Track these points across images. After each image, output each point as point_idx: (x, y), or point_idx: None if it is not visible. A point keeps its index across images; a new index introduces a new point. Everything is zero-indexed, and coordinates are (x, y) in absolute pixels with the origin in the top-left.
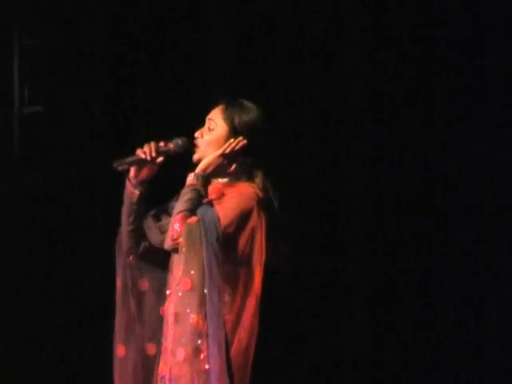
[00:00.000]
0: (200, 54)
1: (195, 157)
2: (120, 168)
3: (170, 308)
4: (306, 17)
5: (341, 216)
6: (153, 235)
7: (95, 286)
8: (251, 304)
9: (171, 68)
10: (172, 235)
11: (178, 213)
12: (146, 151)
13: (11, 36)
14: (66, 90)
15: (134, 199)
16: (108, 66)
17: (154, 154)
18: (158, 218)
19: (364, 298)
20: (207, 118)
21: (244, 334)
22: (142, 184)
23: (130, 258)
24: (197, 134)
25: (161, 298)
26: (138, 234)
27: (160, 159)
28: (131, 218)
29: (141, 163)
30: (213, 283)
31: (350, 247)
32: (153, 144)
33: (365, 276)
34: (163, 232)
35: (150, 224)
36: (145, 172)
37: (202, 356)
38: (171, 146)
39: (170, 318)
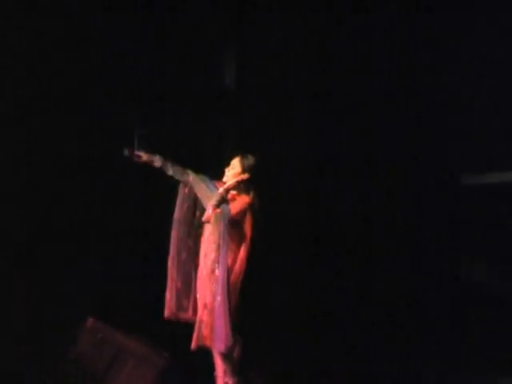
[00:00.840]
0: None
1: (225, 180)
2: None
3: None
4: None
5: None
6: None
7: None
8: (242, 256)
9: None
10: (207, 215)
11: (212, 205)
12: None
13: None
14: None
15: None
16: None
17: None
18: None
19: None
20: (231, 162)
21: (238, 269)
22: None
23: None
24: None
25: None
26: None
27: None
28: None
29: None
30: (224, 243)
31: None
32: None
33: None
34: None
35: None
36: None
37: (216, 274)
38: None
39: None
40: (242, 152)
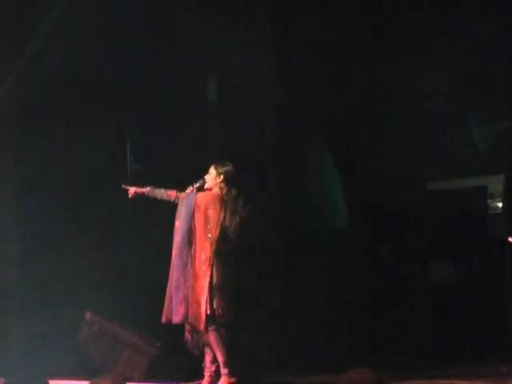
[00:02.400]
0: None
1: (206, 186)
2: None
3: None
4: None
5: None
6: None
7: None
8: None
9: None
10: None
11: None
12: (189, 189)
13: None
14: None
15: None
16: None
17: (193, 189)
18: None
19: None
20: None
21: (208, 252)
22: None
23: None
24: (206, 177)
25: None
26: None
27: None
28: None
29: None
30: (187, 217)
31: None
32: (192, 185)
33: None
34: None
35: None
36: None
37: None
38: (199, 183)
39: None
40: (216, 160)
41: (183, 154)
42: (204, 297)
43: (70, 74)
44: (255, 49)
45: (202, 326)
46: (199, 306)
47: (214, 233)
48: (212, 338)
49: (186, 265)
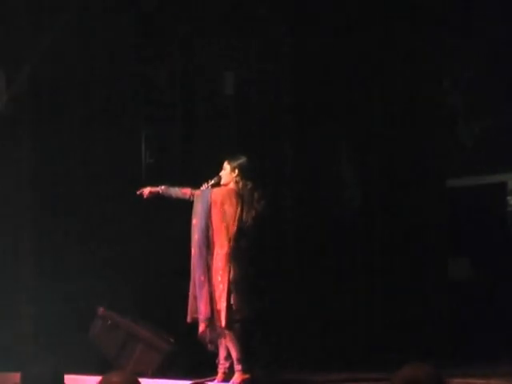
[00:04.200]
0: None
1: (222, 182)
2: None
3: None
4: None
5: None
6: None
7: None
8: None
9: None
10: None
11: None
12: (205, 186)
13: None
14: None
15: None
16: None
17: (208, 186)
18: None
19: None
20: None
21: (225, 248)
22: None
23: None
24: (221, 174)
25: None
26: None
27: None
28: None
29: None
30: (204, 216)
31: None
32: (207, 181)
33: None
34: None
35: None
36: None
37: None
38: (214, 180)
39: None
40: (230, 155)
41: (198, 149)
42: (224, 293)
43: (85, 68)
44: (272, 46)
45: (224, 323)
46: (221, 302)
47: (231, 228)
48: (227, 333)
49: (206, 262)
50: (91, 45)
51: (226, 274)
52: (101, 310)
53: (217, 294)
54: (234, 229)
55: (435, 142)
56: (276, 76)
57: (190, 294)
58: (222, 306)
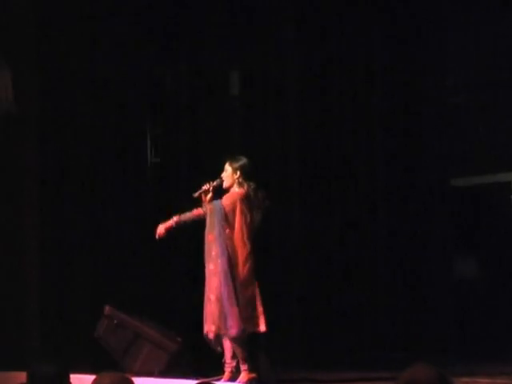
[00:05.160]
0: None
1: (224, 185)
2: (196, 195)
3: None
4: None
5: None
6: None
7: None
8: (246, 249)
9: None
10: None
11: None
12: (206, 186)
13: None
14: None
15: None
16: None
17: (209, 187)
18: None
19: None
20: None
21: (243, 258)
22: (209, 202)
23: None
24: (222, 176)
25: None
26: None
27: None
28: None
29: (205, 192)
30: (221, 236)
31: None
32: (209, 183)
33: None
34: None
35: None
36: (208, 196)
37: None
38: (216, 182)
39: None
40: (231, 156)
41: (203, 149)
42: (258, 296)
43: (91, 68)
44: (277, 47)
45: (263, 327)
46: (255, 308)
47: (246, 233)
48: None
49: (231, 273)
50: (98, 45)
51: (253, 279)
52: (107, 309)
53: (256, 300)
54: (248, 233)
55: (440, 142)
56: (280, 76)
57: (219, 310)
58: (259, 310)
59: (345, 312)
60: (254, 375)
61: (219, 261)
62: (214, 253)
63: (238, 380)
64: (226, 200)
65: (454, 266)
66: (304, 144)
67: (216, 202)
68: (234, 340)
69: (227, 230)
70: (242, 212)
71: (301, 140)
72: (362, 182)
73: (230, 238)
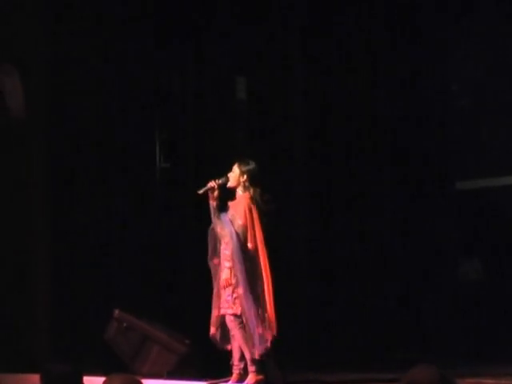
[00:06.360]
0: None
1: (228, 184)
2: (201, 192)
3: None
4: None
5: None
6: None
7: None
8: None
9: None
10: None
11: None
12: (212, 183)
13: None
14: None
15: (214, 207)
16: None
17: (214, 184)
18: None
19: None
20: (232, 168)
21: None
22: (215, 199)
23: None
24: (229, 175)
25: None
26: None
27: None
28: (213, 215)
29: (211, 189)
30: (238, 261)
31: None
32: (214, 180)
33: None
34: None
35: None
36: (215, 193)
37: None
38: (221, 180)
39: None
40: (240, 157)
41: (212, 153)
42: (272, 302)
43: (100, 73)
44: (281, 49)
45: (275, 331)
46: (272, 310)
47: (259, 237)
48: (239, 335)
49: (257, 285)
50: (107, 50)
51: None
52: (116, 312)
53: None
54: (262, 236)
55: (447, 144)
56: (287, 79)
57: (251, 329)
58: (272, 315)
59: (351, 314)
60: (261, 377)
61: (246, 277)
62: (239, 267)
63: (245, 382)
64: (232, 212)
65: (460, 267)
66: (310, 147)
67: (224, 215)
68: (238, 337)
69: (243, 243)
70: (249, 219)
71: (307, 143)
72: (368, 186)
73: (252, 247)
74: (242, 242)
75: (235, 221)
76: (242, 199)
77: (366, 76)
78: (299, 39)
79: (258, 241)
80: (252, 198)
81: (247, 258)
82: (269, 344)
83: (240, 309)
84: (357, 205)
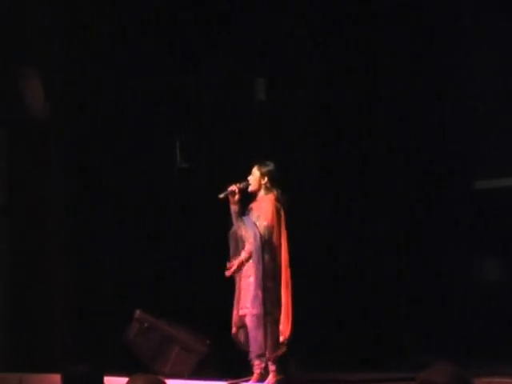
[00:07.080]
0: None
1: (250, 188)
2: (222, 196)
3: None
4: None
5: None
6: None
7: None
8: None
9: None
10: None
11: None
12: (233, 187)
13: None
14: None
15: (235, 211)
16: None
17: (235, 188)
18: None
19: None
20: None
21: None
22: (236, 203)
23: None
24: (249, 179)
25: None
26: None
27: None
28: (235, 219)
29: (232, 193)
30: (259, 261)
31: None
32: (235, 184)
33: None
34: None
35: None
36: (236, 197)
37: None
38: (242, 185)
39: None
40: (259, 160)
41: (231, 154)
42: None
43: (120, 76)
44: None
45: (291, 331)
46: (289, 310)
47: (284, 237)
48: (259, 335)
49: (276, 286)
50: (127, 50)
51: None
52: (137, 312)
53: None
54: (285, 236)
55: (464, 144)
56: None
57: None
58: (290, 315)
59: (368, 315)
60: (281, 376)
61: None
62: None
63: (266, 381)
64: (254, 214)
65: (477, 267)
66: (328, 150)
67: (246, 218)
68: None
69: (266, 257)
70: (272, 219)
71: (324, 146)
72: (383, 186)
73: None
74: (265, 242)
75: (260, 222)
76: (266, 200)
77: (383, 74)
78: (314, 39)
79: (282, 240)
80: (277, 199)
81: (271, 258)
82: (285, 344)
83: (260, 309)
84: (371, 204)
